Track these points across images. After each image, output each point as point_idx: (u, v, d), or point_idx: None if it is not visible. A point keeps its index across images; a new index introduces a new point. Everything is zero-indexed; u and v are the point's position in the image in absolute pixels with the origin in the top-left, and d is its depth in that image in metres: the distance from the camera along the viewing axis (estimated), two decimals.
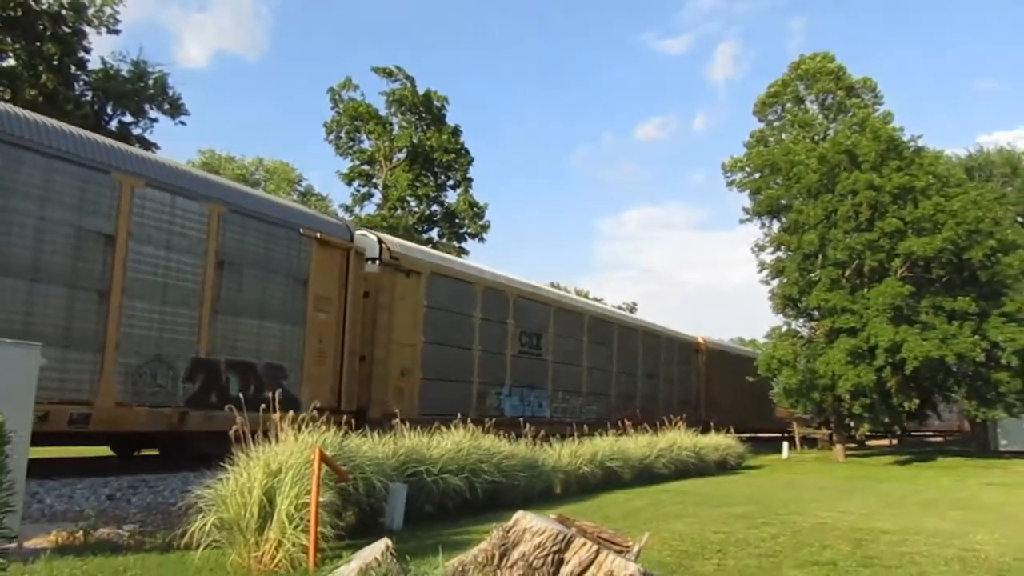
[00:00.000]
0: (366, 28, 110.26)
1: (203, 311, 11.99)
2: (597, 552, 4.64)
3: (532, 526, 4.80)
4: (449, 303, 17.67)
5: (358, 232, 16.02)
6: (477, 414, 15.64)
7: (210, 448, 11.49)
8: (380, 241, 15.98)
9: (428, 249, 19.22)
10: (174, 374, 11.50)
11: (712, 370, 33.93)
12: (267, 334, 13.10)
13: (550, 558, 4.66)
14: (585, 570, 4.58)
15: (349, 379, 14.53)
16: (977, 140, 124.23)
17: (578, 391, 23.16)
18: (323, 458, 6.69)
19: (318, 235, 14.04)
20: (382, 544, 5.34)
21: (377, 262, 15.69)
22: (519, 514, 4.97)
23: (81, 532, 7.11)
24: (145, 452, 13.84)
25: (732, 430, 22.61)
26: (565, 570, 4.61)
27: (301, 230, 13.79)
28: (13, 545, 6.34)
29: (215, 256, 12.21)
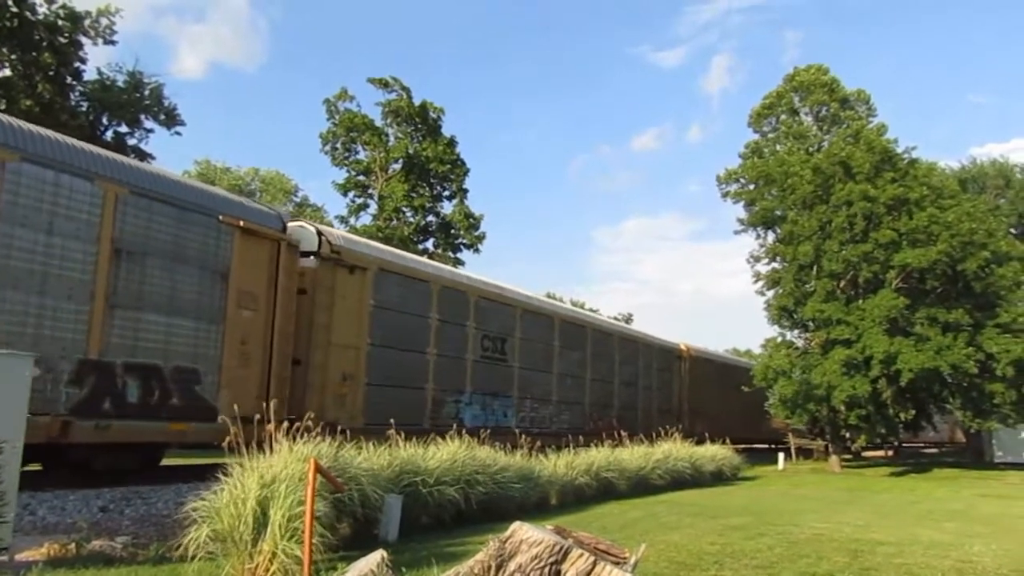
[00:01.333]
0: (363, 40, 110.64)
1: (95, 305, 10.50)
2: (594, 563, 4.61)
3: (529, 537, 4.76)
4: (400, 303, 16.24)
5: (294, 223, 14.67)
6: (432, 424, 15.14)
7: (106, 461, 10.93)
8: (319, 233, 14.50)
9: (376, 244, 17.27)
10: (54, 377, 9.93)
11: (696, 378, 32.79)
12: (177, 333, 11.58)
13: (547, 569, 4.62)
14: None
15: (278, 384, 13.00)
16: (970, 152, 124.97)
17: (548, 399, 21.74)
18: (318, 469, 6.65)
19: (241, 223, 12.50)
20: (377, 556, 5.29)
21: (315, 256, 14.17)
22: (515, 525, 4.93)
23: (73, 544, 7.06)
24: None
25: (728, 441, 22.61)
26: None
27: (220, 217, 12.22)
28: (5, 558, 6.30)
29: (111, 243, 10.74)
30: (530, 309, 21.53)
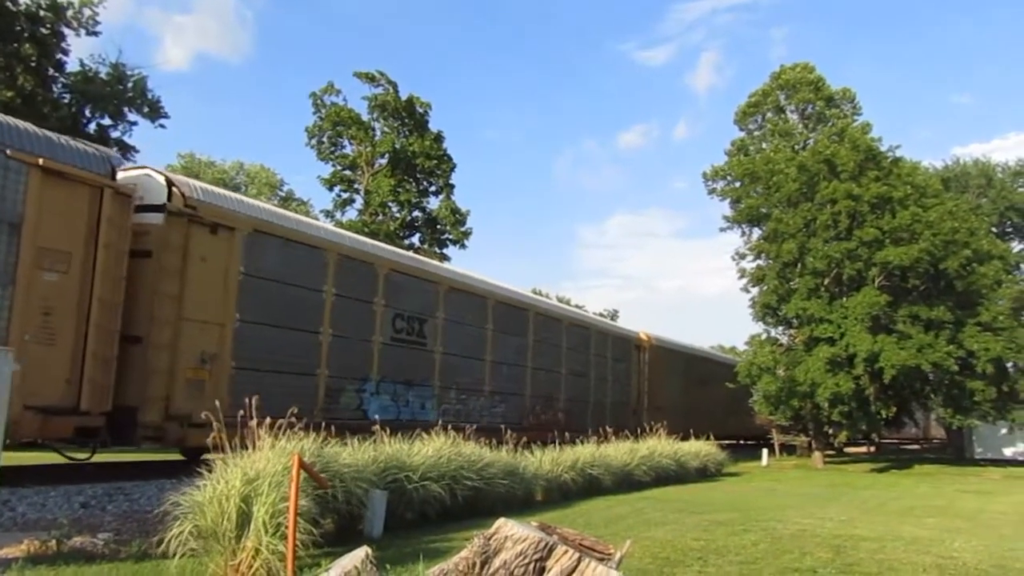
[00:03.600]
0: (349, 33, 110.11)
1: None
2: (579, 560, 4.61)
3: (513, 533, 4.76)
4: (283, 272, 13.73)
5: (137, 170, 12.24)
6: (326, 416, 12.58)
7: None
8: (169, 183, 11.89)
9: (249, 200, 14.62)
10: None
11: (658, 370, 30.53)
12: None
13: (532, 566, 4.63)
14: None
15: (98, 367, 10.43)
16: (953, 152, 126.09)
17: (478, 390, 19.34)
18: (302, 465, 6.62)
19: (41, 162, 9.92)
20: (362, 552, 5.27)
21: (162, 211, 11.60)
22: (500, 521, 4.93)
23: (54, 541, 6.98)
24: (114, 458, 13.60)
25: (712, 437, 22.72)
26: None
27: (8, 152, 9.66)
28: None
29: None
30: (458, 287, 18.98)
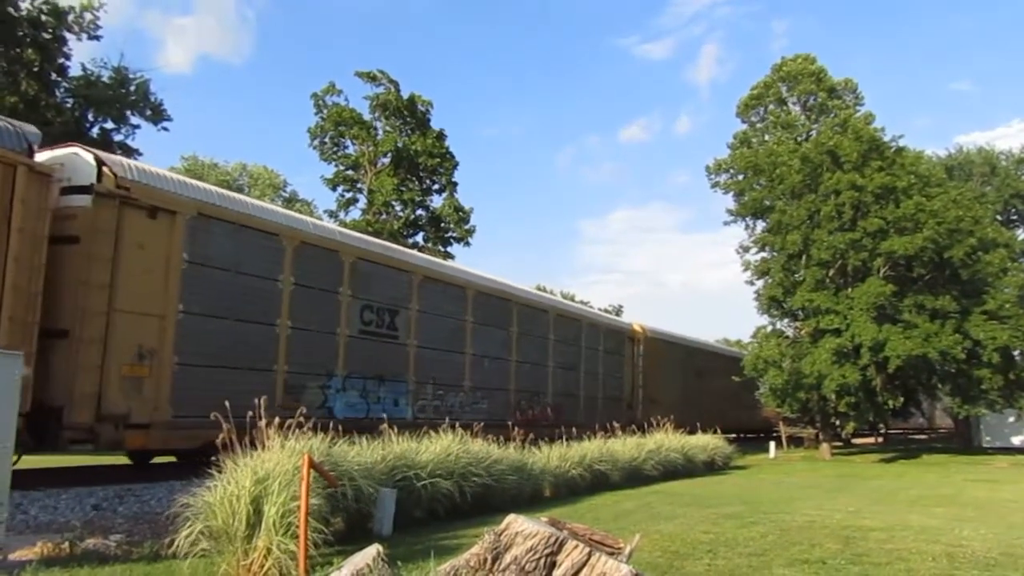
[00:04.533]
0: (350, 32, 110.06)
1: None
2: (589, 554, 4.64)
3: (524, 529, 4.79)
4: (235, 260, 12.73)
5: (64, 149, 11.29)
6: (285, 413, 11.44)
7: None
8: (100, 163, 10.95)
9: (193, 181, 13.44)
10: None
11: (653, 363, 29.58)
12: None
13: (542, 561, 4.65)
14: (578, 572, 4.58)
15: None
16: (956, 140, 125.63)
17: (457, 385, 18.44)
18: (312, 464, 6.65)
19: None
20: (373, 550, 5.31)
21: (91, 193, 10.70)
22: (511, 517, 4.96)
23: (67, 543, 7.03)
24: (127, 461, 13.65)
25: (719, 431, 22.71)
26: (557, 573, 4.61)
27: None
28: (0, 557, 6.28)
29: None
30: (433, 277, 17.91)
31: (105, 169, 10.87)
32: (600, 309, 46.95)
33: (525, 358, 21.52)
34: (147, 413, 10.89)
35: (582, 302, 48.63)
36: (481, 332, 19.45)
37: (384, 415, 12.88)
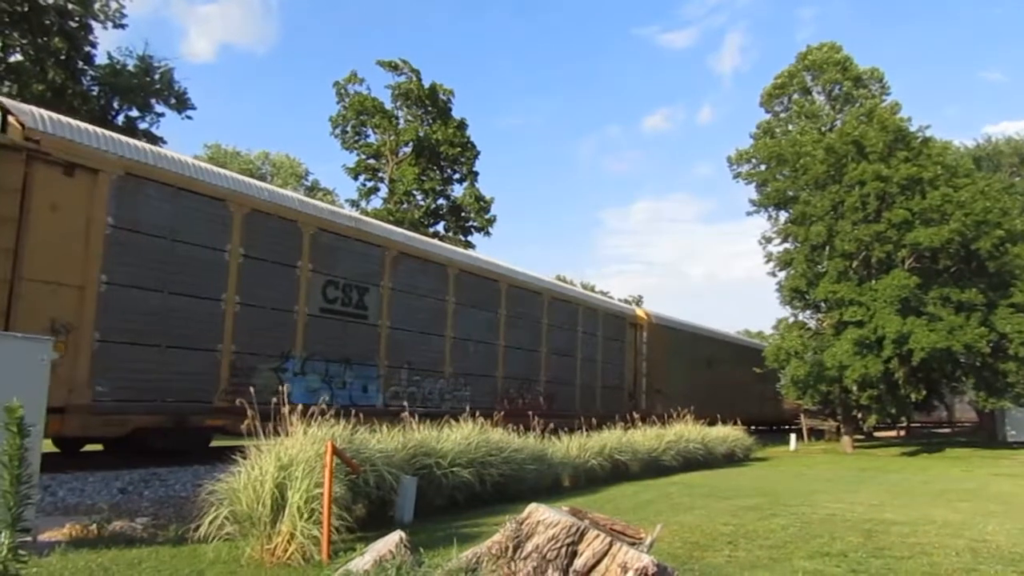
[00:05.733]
0: (373, 21, 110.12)
1: None
2: (610, 544, 4.65)
3: (545, 518, 4.80)
4: (170, 227, 11.51)
5: None
6: (232, 398, 10.57)
7: None
8: (3, 111, 9.93)
9: (120, 137, 11.79)
10: None
11: (658, 351, 28.38)
12: None
13: (564, 550, 4.67)
14: (599, 562, 4.59)
15: None
16: (985, 131, 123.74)
17: (436, 370, 17.14)
18: (335, 451, 6.73)
19: None
20: (396, 536, 5.36)
21: None
22: (532, 506, 4.98)
23: (95, 525, 7.16)
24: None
25: (739, 422, 22.60)
26: (579, 562, 4.62)
27: None
28: (29, 539, 6.40)
29: None
30: (409, 252, 16.62)
31: (10, 119, 9.86)
32: (620, 300, 46.78)
33: (515, 343, 20.24)
34: (62, 396, 9.72)
35: (602, 292, 48.51)
36: (465, 314, 18.18)
37: (350, 402, 12.22)
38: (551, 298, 22.33)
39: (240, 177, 13.73)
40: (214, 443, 12.99)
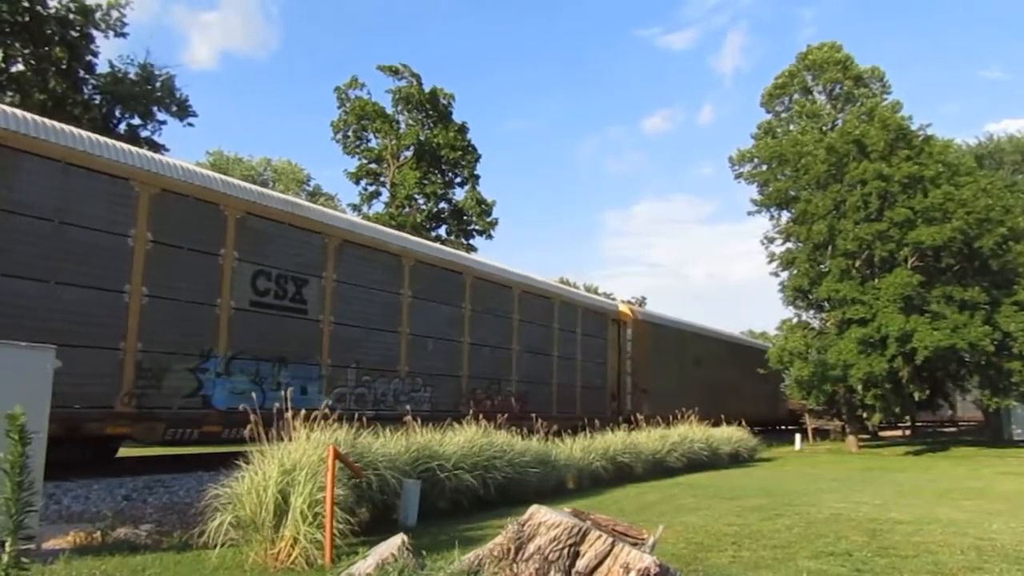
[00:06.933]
0: (373, 27, 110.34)
1: None
2: (612, 545, 4.65)
3: (547, 520, 4.81)
4: (56, 208, 10.19)
5: None
6: (139, 403, 10.17)
7: None
8: None
9: None
10: None
11: (644, 349, 26.98)
12: None
13: (566, 551, 4.67)
14: (601, 563, 4.60)
15: None
16: (987, 128, 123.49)
17: (391, 370, 15.79)
18: (337, 455, 6.73)
19: None
20: (398, 539, 5.36)
21: None
22: (534, 508, 4.98)
23: (99, 532, 7.17)
24: (159, 452, 13.78)
25: (743, 422, 22.56)
26: (581, 563, 4.63)
27: None
28: (32, 546, 6.41)
29: None
30: (355, 241, 15.20)
31: None
32: (622, 301, 46.66)
33: (482, 340, 18.82)
34: None
35: (605, 294, 48.42)
36: (423, 309, 16.80)
37: (286, 404, 11.24)
38: (522, 292, 20.81)
39: (148, 154, 12.16)
40: (217, 449, 13.05)
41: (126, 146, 11.63)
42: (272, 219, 13.36)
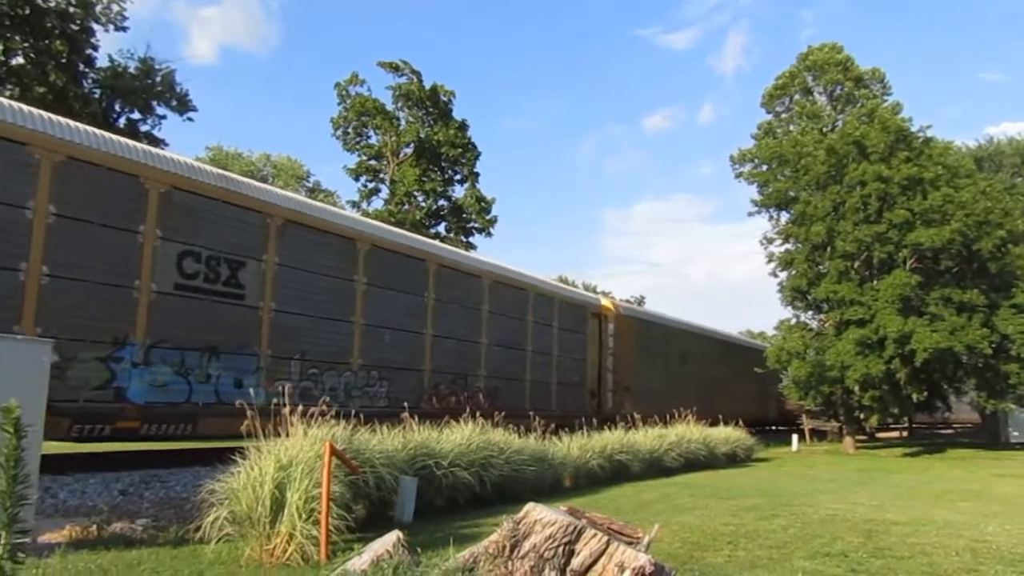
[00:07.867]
0: (374, 23, 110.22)
1: None
2: (607, 543, 4.65)
3: (542, 517, 4.81)
4: None
5: None
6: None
7: None
8: None
9: None
10: None
11: (627, 345, 25.81)
12: None
13: (561, 549, 4.67)
14: (596, 561, 4.60)
15: None
16: (987, 131, 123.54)
17: (342, 362, 14.59)
18: (333, 452, 6.74)
19: None
20: (393, 536, 5.36)
21: None
22: (529, 506, 4.98)
23: (95, 527, 7.17)
24: (156, 446, 13.82)
25: (740, 422, 22.56)
26: (576, 561, 4.63)
27: None
28: (28, 540, 6.41)
29: None
30: (300, 221, 13.85)
31: None
32: (623, 300, 46.64)
33: (447, 332, 17.59)
34: None
35: (603, 293, 48.34)
36: (379, 297, 15.56)
37: (217, 398, 10.37)
38: (493, 282, 19.48)
39: (51, 117, 10.53)
40: (214, 444, 13.00)
41: (24, 107, 10.24)
42: (203, 195, 11.99)
